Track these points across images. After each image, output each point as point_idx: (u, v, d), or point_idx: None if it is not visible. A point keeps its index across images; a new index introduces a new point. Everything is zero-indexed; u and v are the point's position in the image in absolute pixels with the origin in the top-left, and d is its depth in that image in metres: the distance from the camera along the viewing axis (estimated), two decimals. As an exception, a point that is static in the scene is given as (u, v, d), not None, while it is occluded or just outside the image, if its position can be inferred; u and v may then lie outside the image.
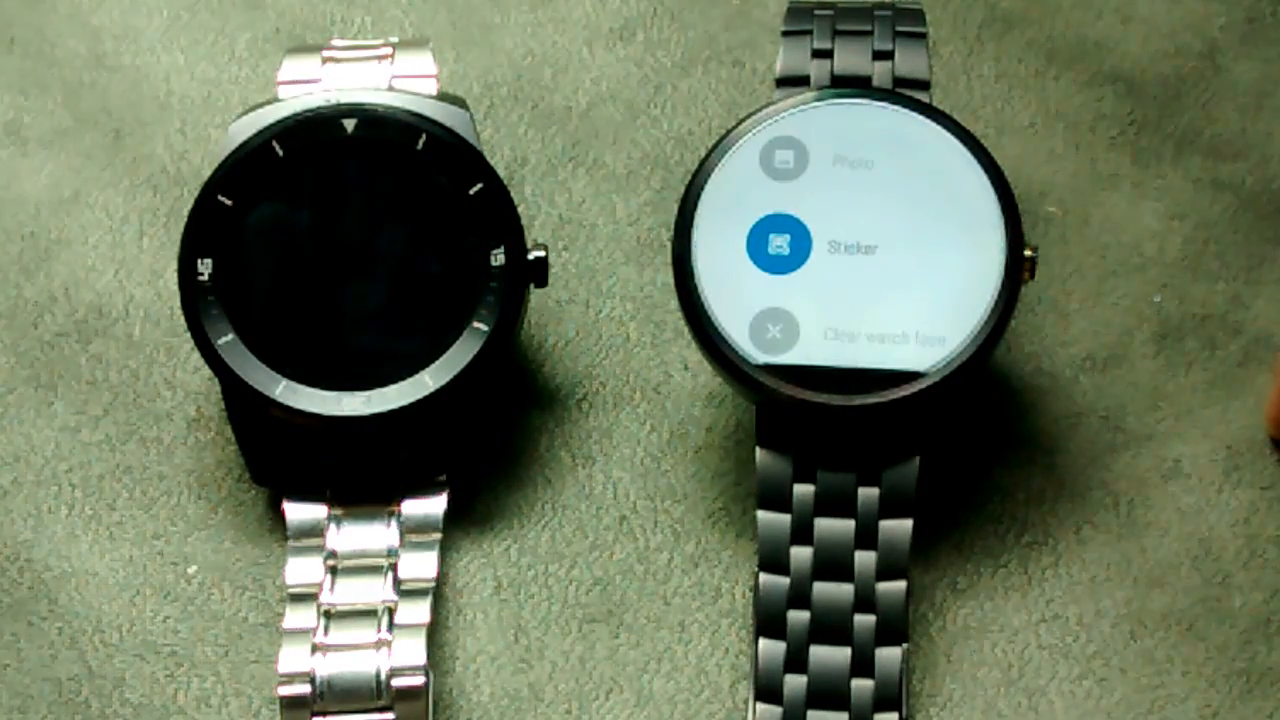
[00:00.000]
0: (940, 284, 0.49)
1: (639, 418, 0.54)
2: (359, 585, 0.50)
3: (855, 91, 0.50)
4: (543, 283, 0.51)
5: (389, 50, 0.53)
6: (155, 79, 0.59)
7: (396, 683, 0.48)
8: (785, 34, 0.51)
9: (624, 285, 0.56)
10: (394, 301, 0.50)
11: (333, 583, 0.50)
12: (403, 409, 0.50)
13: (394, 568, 0.50)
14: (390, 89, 0.52)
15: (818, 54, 0.51)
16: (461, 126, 0.51)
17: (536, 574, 0.52)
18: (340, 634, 0.49)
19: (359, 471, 0.51)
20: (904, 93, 0.50)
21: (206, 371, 0.53)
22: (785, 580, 0.49)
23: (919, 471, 0.49)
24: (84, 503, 0.53)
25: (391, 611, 0.49)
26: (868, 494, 0.49)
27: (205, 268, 0.50)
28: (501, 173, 0.52)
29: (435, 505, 0.51)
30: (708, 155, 0.50)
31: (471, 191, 0.50)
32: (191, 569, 0.52)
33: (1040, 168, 0.57)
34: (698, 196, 0.50)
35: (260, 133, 0.51)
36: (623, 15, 0.60)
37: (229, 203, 0.50)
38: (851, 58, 0.51)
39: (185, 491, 0.53)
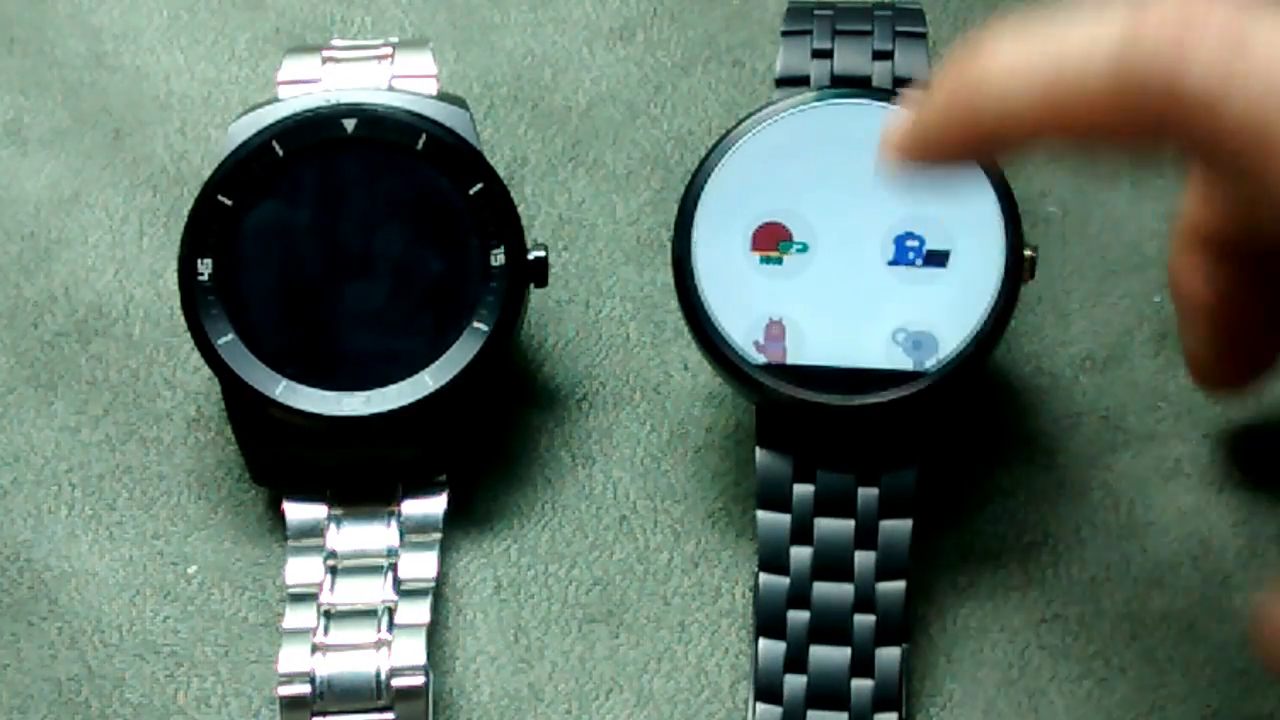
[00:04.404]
0: (940, 284, 0.48)
1: (639, 418, 0.54)
2: (359, 585, 0.50)
3: (855, 91, 0.50)
4: (543, 283, 0.51)
5: (389, 50, 0.53)
6: (155, 79, 0.59)
7: (396, 683, 0.48)
8: (785, 34, 0.51)
9: (624, 285, 0.56)
10: (394, 301, 0.50)
11: (333, 583, 0.50)
12: (403, 409, 0.50)
13: (394, 568, 0.50)
14: (390, 89, 0.52)
15: (818, 54, 0.51)
16: (461, 126, 0.51)
17: (536, 574, 0.52)
18: (340, 634, 0.49)
19: (359, 471, 0.51)
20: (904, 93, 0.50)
21: (206, 371, 0.52)
22: (785, 580, 0.49)
23: (919, 471, 0.49)
24: (84, 503, 0.53)
25: (391, 611, 0.49)
26: (867, 494, 0.49)
27: (205, 268, 0.50)
28: (501, 173, 0.51)
29: (435, 505, 0.51)
30: (708, 155, 0.50)
31: (471, 191, 0.50)
32: (191, 569, 0.52)
33: (1040, 168, 0.57)
34: (698, 196, 0.49)
35: (260, 133, 0.51)
36: (623, 15, 0.60)
37: (229, 203, 0.50)
38: (851, 58, 0.51)
39: (185, 491, 0.53)
